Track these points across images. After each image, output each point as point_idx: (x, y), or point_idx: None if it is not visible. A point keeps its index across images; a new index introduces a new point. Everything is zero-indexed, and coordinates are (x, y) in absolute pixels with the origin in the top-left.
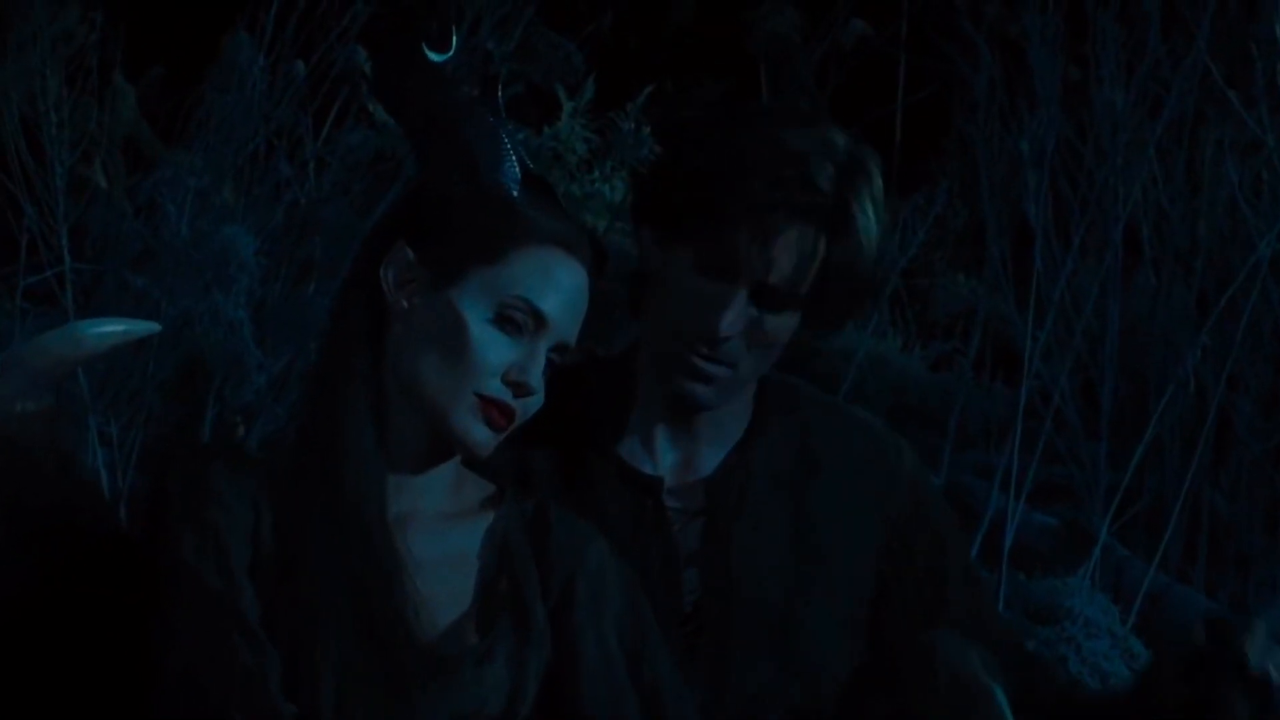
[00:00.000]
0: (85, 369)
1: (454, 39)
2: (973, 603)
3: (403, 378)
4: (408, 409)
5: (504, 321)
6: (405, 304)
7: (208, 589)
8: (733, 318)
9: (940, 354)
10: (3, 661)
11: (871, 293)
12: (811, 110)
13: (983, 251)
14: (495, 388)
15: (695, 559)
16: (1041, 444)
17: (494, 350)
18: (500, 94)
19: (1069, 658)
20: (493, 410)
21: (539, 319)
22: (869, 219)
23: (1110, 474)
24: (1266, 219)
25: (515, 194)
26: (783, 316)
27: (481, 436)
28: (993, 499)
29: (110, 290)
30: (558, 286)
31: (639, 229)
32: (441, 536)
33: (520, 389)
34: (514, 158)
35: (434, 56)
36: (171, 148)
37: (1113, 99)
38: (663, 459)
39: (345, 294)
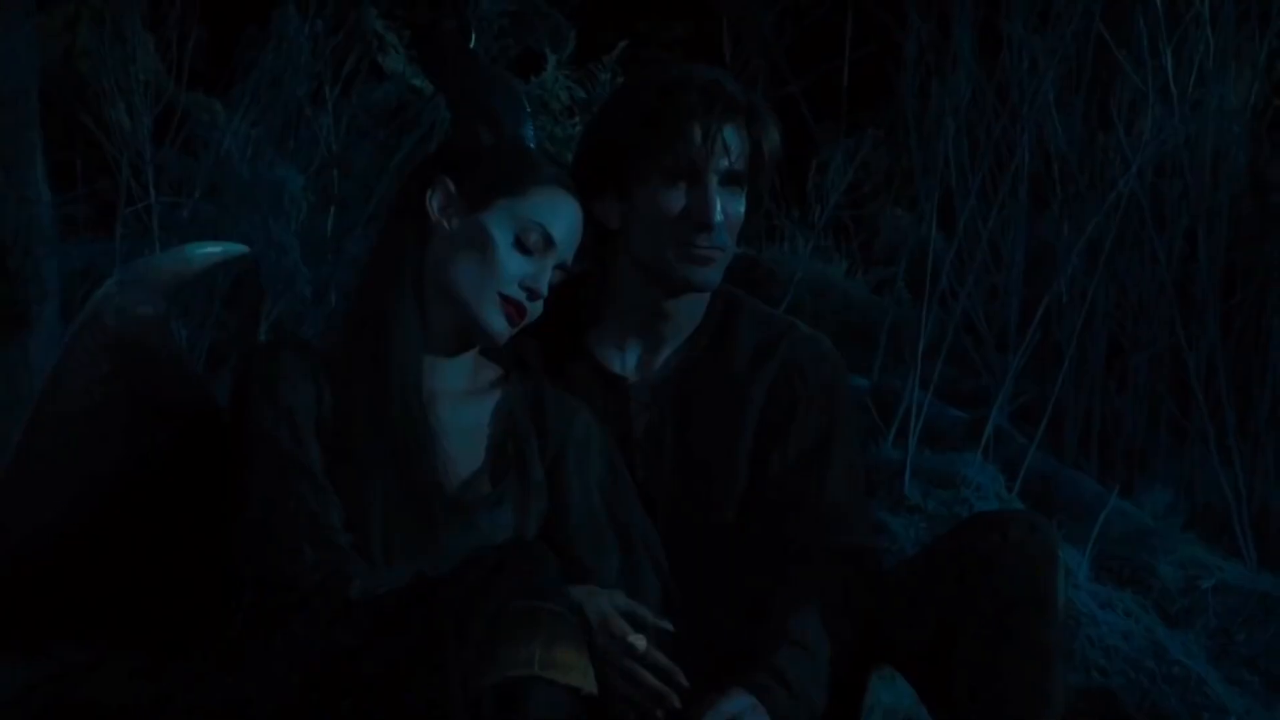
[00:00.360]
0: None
1: (473, 34)
2: (845, 487)
3: (441, 280)
4: (441, 306)
5: (523, 241)
6: (446, 224)
7: (282, 449)
8: (717, 203)
9: (881, 279)
10: (119, 517)
11: (775, 172)
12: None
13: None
14: (514, 290)
15: (641, 444)
16: (944, 348)
17: (515, 262)
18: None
19: (962, 515)
20: (511, 308)
21: (549, 240)
22: (772, 118)
23: (1017, 383)
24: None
25: (531, 145)
26: (739, 198)
27: (501, 327)
28: (906, 390)
29: (184, 220)
30: (563, 216)
31: (598, 200)
32: (462, 409)
33: (533, 294)
34: (530, 120)
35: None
36: (224, 101)
37: (1022, 56)
38: (629, 358)
39: (395, 216)
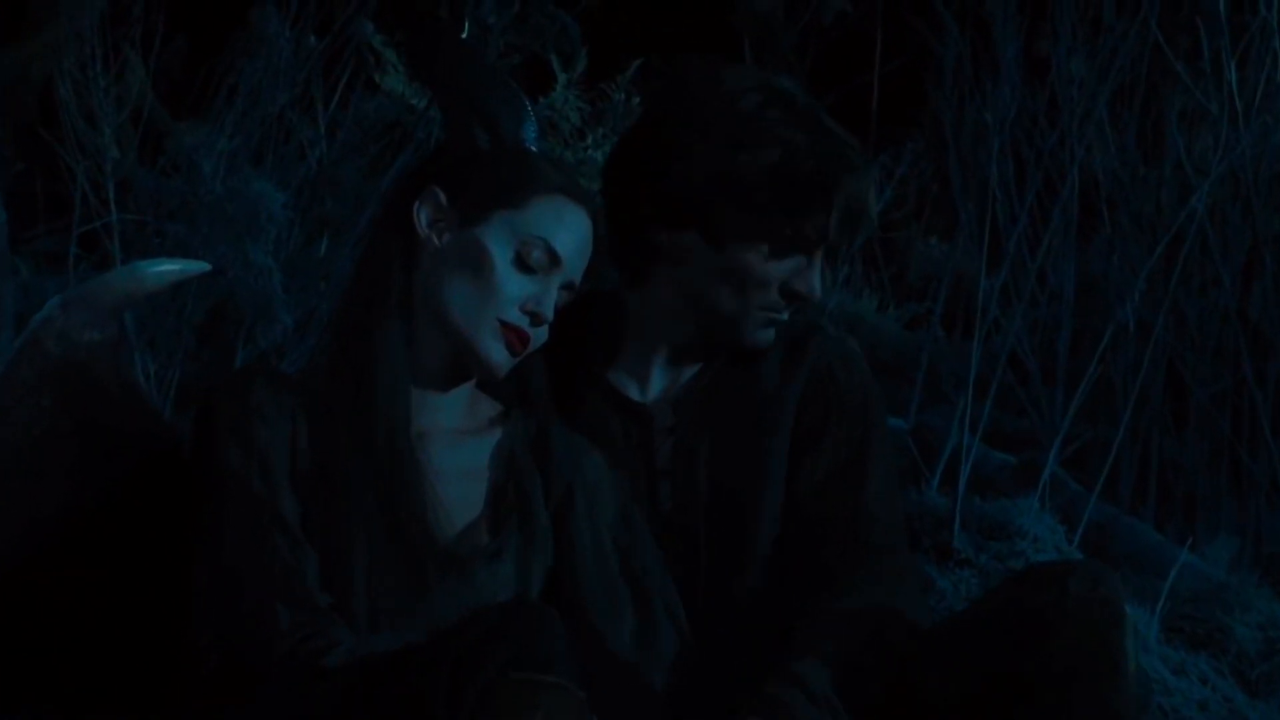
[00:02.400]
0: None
1: (466, 24)
2: (886, 511)
3: (432, 304)
4: (433, 333)
5: (524, 258)
6: (436, 240)
7: (252, 494)
8: (819, 276)
9: (914, 314)
10: (64, 566)
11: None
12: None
13: (954, 217)
14: (515, 315)
15: (668, 473)
16: (994, 386)
17: (515, 283)
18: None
19: (1017, 569)
20: (512, 335)
21: (554, 257)
22: (876, 175)
23: (1066, 419)
24: (1207, 177)
25: (533, 150)
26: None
27: (501, 357)
28: (952, 431)
29: (151, 240)
30: (570, 230)
31: (665, 229)
32: (457, 449)
33: (536, 318)
34: (533, 119)
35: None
36: (200, 111)
37: (1070, 70)
38: (652, 386)
39: (379, 231)
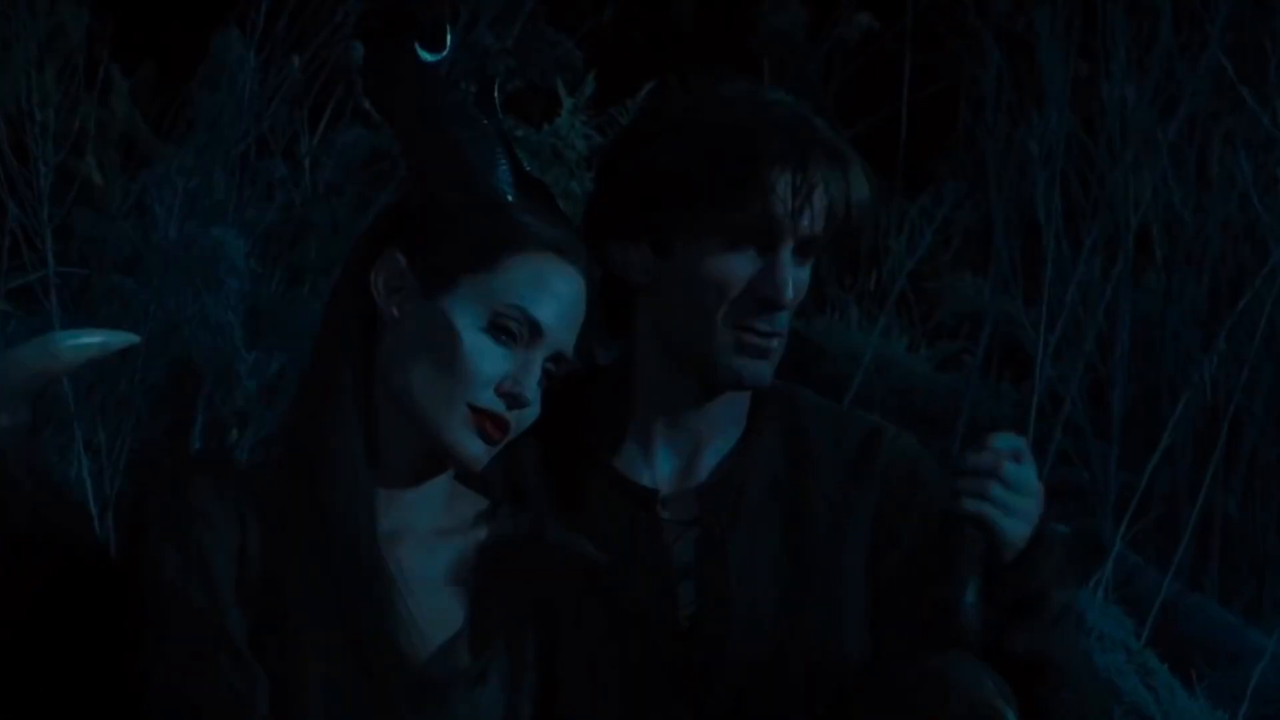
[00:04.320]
0: (70, 375)
1: (449, 37)
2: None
3: (393, 389)
4: (399, 421)
5: (498, 330)
6: (395, 312)
7: (193, 609)
8: (791, 280)
9: (947, 355)
10: None
11: (872, 228)
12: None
13: (990, 251)
14: (488, 399)
15: (691, 571)
16: (1054, 448)
17: (487, 360)
18: (497, 93)
19: None
20: (486, 422)
21: (534, 328)
22: (865, 167)
23: (1120, 475)
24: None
25: (510, 199)
26: (807, 268)
27: (475, 450)
28: None
29: (98, 294)
30: (554, 294)
31: (619, 246)
32: (433, 553)
33: (514, 400)
34: (507, 162)
35: (427, 56)
36: (162, 145)
37: (1124, 95)
38: (660, 468)
39: (335, 301)
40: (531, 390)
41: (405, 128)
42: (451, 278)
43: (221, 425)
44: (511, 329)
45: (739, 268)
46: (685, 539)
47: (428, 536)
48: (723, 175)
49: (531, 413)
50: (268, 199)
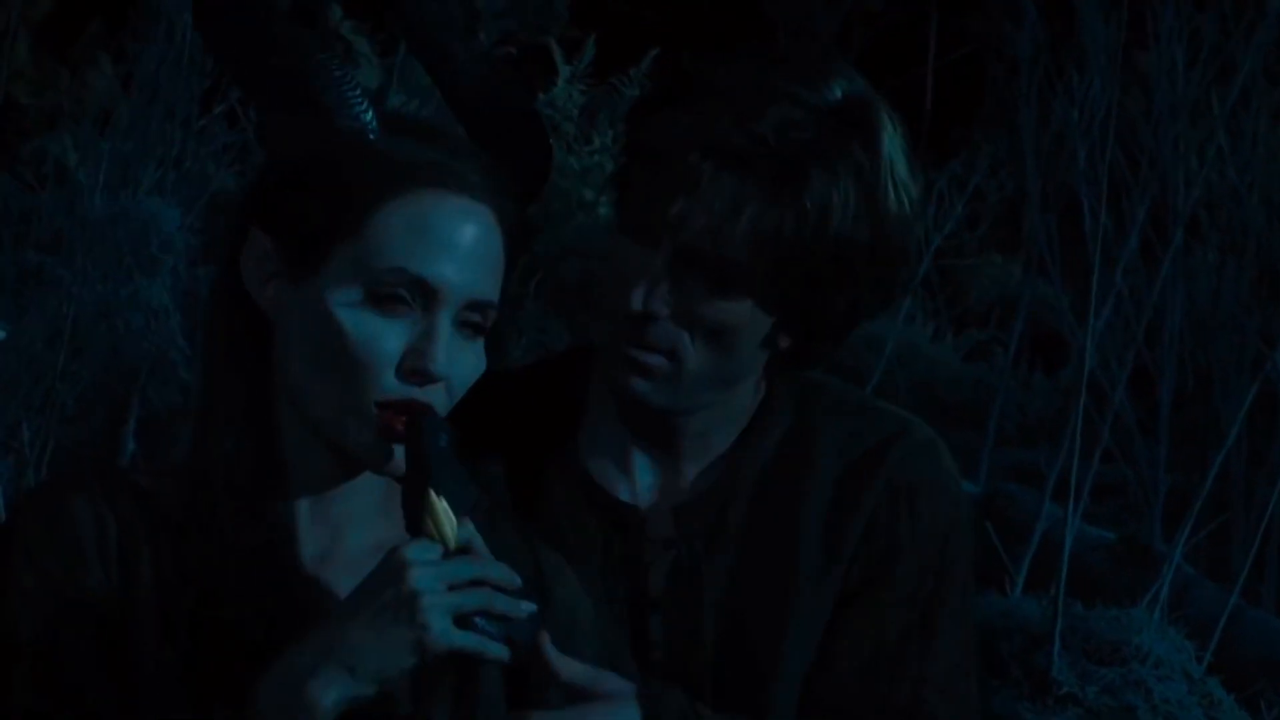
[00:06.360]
0: None
1: None
2: (950, 705)
3: (291, 394)
4: (304, 431)
5: (380, 301)
6: (273, 304)
7: (55, 660)
8: (647, 288)
9: (975, 343)
10: None
11: (851, 291)
12: (818, 56)
13: (1022, 229)
14: (392, 386)
15: (662, 603)
16: (1100, 449)
17: (378, 341)
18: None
19: (1138, 706)
20: (394, 419)
21: (424, 288)
22: (833, 191)
23: (1168, 476)
24: None
25: (371, 137)
26: (730, 300)
27: (385, 453)
28: (1044, 511)
29: (12, 276)
30: (441, 239)
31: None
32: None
33: (423, 376)
34: (365, 101)
35: None
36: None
37: (1173, 57)
38: (640, 480)
39: (214, 300)
40: (440, 360)
41: (250, 78)
42: (320, 252)
43: (158, 422)
44: (396, 295)
45: (621, 260)
46: (662, 563)
47: (364, 556)
48: (632, 148)
49: (460, 380)
50: (213, 166)
